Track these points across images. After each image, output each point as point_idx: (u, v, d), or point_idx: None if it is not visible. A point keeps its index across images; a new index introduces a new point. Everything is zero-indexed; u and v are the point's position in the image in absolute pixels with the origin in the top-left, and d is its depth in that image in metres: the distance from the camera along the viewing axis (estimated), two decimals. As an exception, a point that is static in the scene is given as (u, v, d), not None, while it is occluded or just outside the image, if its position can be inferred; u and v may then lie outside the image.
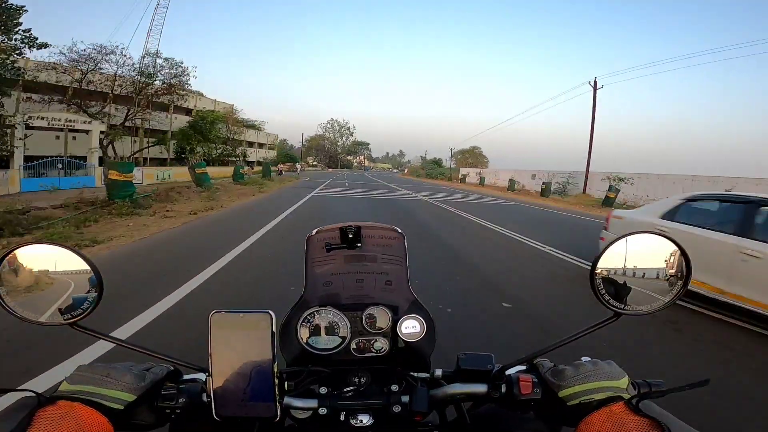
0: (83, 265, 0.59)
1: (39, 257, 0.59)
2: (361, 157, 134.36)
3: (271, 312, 0.54)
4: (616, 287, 0.60)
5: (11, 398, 0.51)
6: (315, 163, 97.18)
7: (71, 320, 0.58)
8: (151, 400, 0.58)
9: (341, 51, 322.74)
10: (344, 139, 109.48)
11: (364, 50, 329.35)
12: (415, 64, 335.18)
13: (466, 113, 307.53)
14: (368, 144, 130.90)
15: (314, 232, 0.78)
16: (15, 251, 0.58)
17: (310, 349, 0.67)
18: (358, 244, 0.76)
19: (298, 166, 54.49)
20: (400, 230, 0.79)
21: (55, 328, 0.59)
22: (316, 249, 0.77)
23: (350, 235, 0.75)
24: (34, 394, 0.50)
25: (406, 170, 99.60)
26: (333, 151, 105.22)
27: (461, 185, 42.88)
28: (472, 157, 77.09)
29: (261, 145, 61.70)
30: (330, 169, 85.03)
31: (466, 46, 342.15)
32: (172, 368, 0.63)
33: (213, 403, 0.54)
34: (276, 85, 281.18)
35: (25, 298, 0.58)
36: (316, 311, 0.68)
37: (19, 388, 0.50)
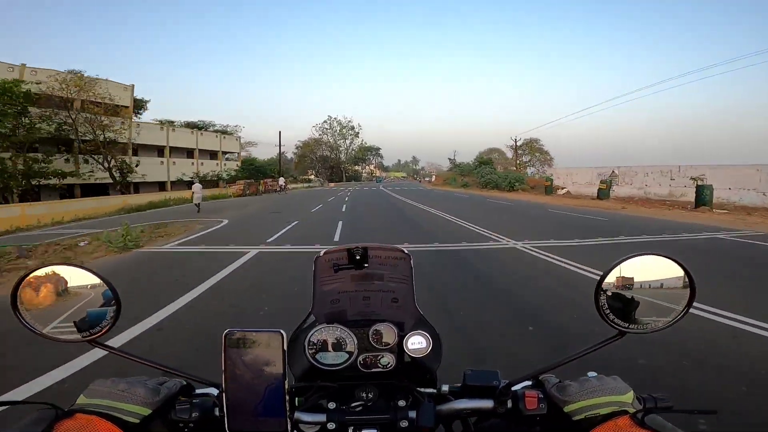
0: (99, 283, 0.64)
1: (57, 277, 0.63)
2: (372, 166, 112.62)
3: (282, 331, 0.57)
4: (621, 306, 0.62)
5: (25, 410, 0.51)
6: (313, 176, 74.53)
7: (89, 337, 0.62)
8: (165, 414, 0.62)
9: (337, 48, 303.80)
10: (348, 142, 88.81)
11: (363, 47, 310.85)
12: (425, 62, 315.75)
13: (486, 114, 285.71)
14: (379, 149, 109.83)
15: (322, 253, 0.80)
16: (34, 272, 0.63)
17: (318, 365, 0.69)
18: (365, 265, 0.78)
19: (282, 182, 37.88)
20: (406, 251, 0.81)
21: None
22: (323, 269, 0.80)
23: (357, 257, 0.77)
24: (52, 407, 0.52)
25: (434, 177, 76.23)
26: (334, 159, 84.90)
27: (568, 200, 25.62)
28: (530, 152, 54.10)
29: (215, 154, 40.00)
30: (331, 184, 64.24)
31: (476, 46, 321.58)
32: (185, 383, 0.67)
33: (226, 418, 0.57)
34: (266, 93, 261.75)
35: (45, 316, 0.62)
36: (324, 327, 0.70)
37: (37, 401, 0.52)
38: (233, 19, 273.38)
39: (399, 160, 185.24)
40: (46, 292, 0.63)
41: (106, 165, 26.10)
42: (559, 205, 19.66)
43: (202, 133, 39.44)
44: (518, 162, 55.04)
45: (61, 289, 0.63)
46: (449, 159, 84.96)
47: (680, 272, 0.62)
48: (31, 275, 0.62)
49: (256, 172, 39.74)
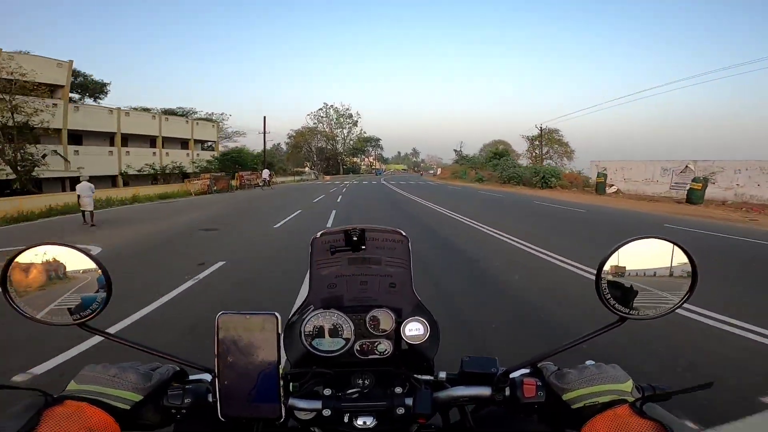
0: (92, 266, 0.61)
1: (48, 258, 0.60)
2: (371, 158, 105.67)
3: (276, 314, 0.55)
4: (622, 291, 0.60)
5: (17, 396, 0.51)
6: (307, 168, 67.51)
7: (80, 320, 0.60)
8: (157, 400, 0.61)
9: (335, 38, 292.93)
10: (345, 132, 79.77)
11: (362, 39, 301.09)
12: (425, 54, 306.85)
13: (488, 107, 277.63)
14: (379, 140, 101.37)
15: (318, 234, 0.79)
16: (24, 252, 0.59)
17: (314, 351, 0.68)
18: (363, 247, 0.76)
19: (266, 175, 30.66)
20: (404, 233, 0.79)
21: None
22: (320, 251, 0.78)
23: (354, 238, 0.75)
24: (42, 394, 0.52)
25: (439, 171, 69.71)
26: (331, 150, 76.59)
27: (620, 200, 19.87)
28: (548, 144, 47.31)
29: (187, 143, 33.54)
30: (327, 177, 57.08)
31: (478, 38, 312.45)
32: (178, 368, 0.66)
33: (218, 404, 0.56)
34: (258, 82, 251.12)
35: (34, 298, 0.60)
36: (321, 313, 0.70)
37: (26, 387, 0.52)
38: (230, 7, 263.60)
39: (399, 152, 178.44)
40: (36, 273, 0.60)
41: (7, 156, 19.43)
42: (651, 213, 13.61)
43: (167, 119, 32.68)
44: (536, 154, 48.55)
45: (52, 270, 0.60)
46: (455, 150, 77.79)
47: (683, 257, 0.60)
48: (21, 255, 0.59)
49: (233, 164, 33.00)
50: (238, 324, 0.55)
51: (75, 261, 0.61)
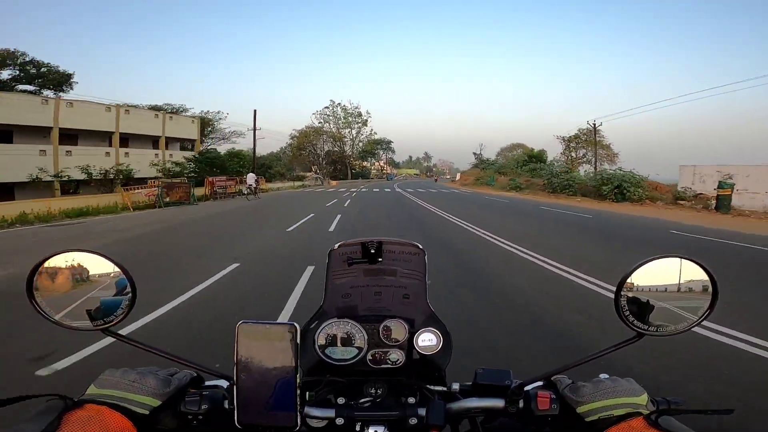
0: (116, 271, 0.62)
1: (73, 263, 0.62)
2: (381, 162, 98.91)
3: (296, 324, 0.56)
4: (641, 308, 0.61)
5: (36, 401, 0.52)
6: (313, 173, 60.68)
7: (102, 326, 0.61)
8: (175, 406, 0.61)
9: (345, 39, 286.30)
10: (354, 132, 71.69)
11: (369, 35, 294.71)
12: (435, 55, 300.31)
13: (502, 109, 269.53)
14: (390, 142, 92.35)
15: (336, 246, 0.81)
16: (50, 258, 0.61)
17: (327, 360, 0.69)
18: (379, 259, 0.79)
19: (252, 180, 23.34)
20: (421, 246, 0.81)
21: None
22: (337, 262, 0.80)
23: (372, 250, 0.78)
24: (61, 398, 0.52)
25: (459, 176, 62.65)
26: (338, 153, 68.94)
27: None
28: (586, 145, 40.00)
29: (177, 143, 27.37)
30: (334, 183, 50.86)
31: (490, 39, 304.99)
32: (195, 374, 0.66)
33: (236, 411, 0.56)
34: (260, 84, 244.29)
35: (58, 303, 0.61)
36: (335, 322, 0.71)
37: (46, 393, 0.53)
38: (236, 6, 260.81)
39: (410, 157, 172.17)
40: (62, 278, 0.62)
41: None
42: None
43: (127, 111, 26.20)
44: (571, 158, 41.23)
45: (77, 275, 0.62)
46: (474, 154, 70.86)
47: (703, 275, 0.61)
48: (48, 261, 0.61)
49: (209, 167, 26.33)
50: (258, 333, 0.56)
51: (100, 267, 0.62)
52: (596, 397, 0.58)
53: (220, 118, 42.75)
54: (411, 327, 0.71)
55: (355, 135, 72.16)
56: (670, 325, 0.60)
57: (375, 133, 75.59)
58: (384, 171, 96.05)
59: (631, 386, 0.59)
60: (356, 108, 70.78)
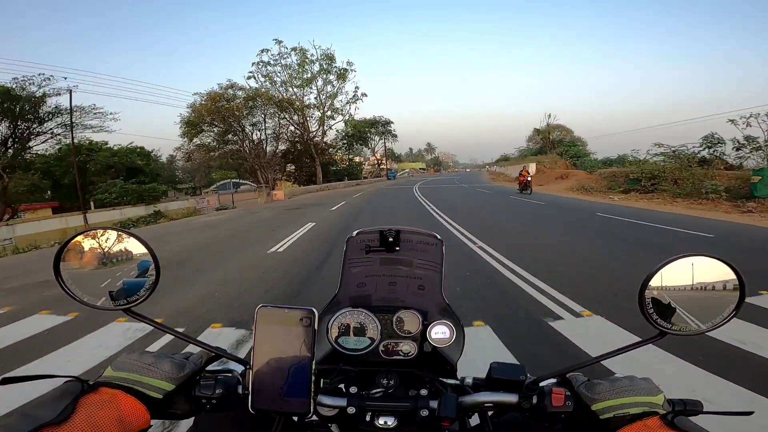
0: (143, 251, 0.63)
1: (101, 242, 0.63)
2: (377, 155, 71.49)
3: (314, 309, 0.56)
4: (664, 307, 0.60)
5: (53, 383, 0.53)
6: (253, 183, 33.75)
7: (125, 306, 0.62)
8: (188, 390, 0.62)
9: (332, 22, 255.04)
10: (326, 92, 41.40)
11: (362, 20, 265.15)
12: (439, 44, 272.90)
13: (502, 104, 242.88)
14: (390, 123, 57.47)
15: (354, 233, 0.81)
16: (78, 235, 0.63)
17: (340, 349, 0.70)
18: (397, 248, 0.79)
19: None
20: (439, 237, 0.81)
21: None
22: (354, 250, 0.80)
23: (390, 239, 0.77)
24: (77, 381, 0.53)
25: (532, 169, 35.30)
26: (300, 136, 39.97)
27: None
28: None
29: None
30: (278, 194, 24.09)
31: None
32: (212, 355, 0.66)
33: (250, 396, 0.56)
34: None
35: (84, 281, 0.62)
36: (348, 311, 0.71)
37: (63, 375, 0.54)
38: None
39: (411, 149, 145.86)
40: (89, 257, 0.63)
41: None
42: None
43: None
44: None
45: (104, 254, 0.63)
46: (537, 131, 43.96)
47: (730, 274, 0.60)
48: (75, 238, 0.63)
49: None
50: (277, 317, 0.56)
51: (127, 246, 0.63)
52: (612, 395, 0.58)
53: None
54: (424, 319, 0.71)
55: (324, 99, 40.30)
56: (693, 324, 0.59)
57: (362, 94, 44.56)
58: (382, 167, 68.64)
59: (648, 385, 0.59)
60: (327, 50, 39.83)
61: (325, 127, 42.26)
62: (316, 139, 41.26)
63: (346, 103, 43.28)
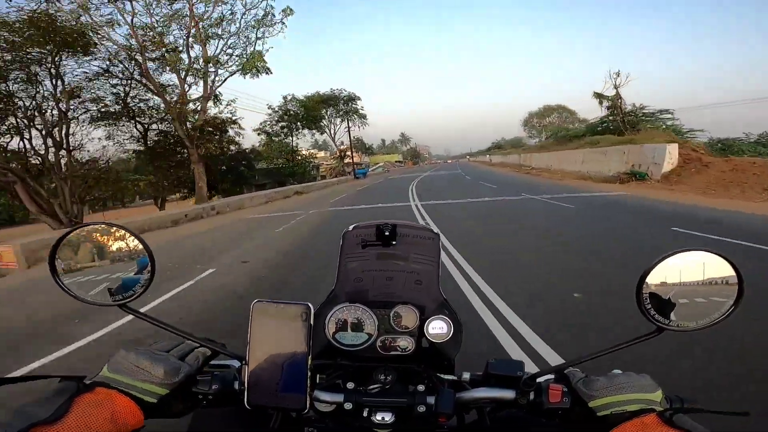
0: (138, 247, 0.63)
1: (98, 238, 0.63)
2: (342, 147, 53.97)
3: (310, 304, 0.56)
4: (662, 302, 0.60)
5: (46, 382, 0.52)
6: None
7: (120, 302, 0.62)
8: (184, 389, 0.61)
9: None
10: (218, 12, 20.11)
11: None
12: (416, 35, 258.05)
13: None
14: (357, 99, 46.43)
15: (351, 228, 0.81)
16: (75, 230, 0.62)
17: (337, 344, 0.70)
18: (393, 242, 0.79)
19: None
20: (435, 230, 0.81)
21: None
22: (351, 244, 0.80)
23: (386, 233, 0.78)
24: (74, 380, 0.54)
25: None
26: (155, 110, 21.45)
27: None
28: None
29: None
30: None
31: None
32: (207, 354, 0.66)
33: (246, 392, 0.56)
34: None
35: (80, 276, 0.62)
36: (345, 307, 0.71)
37: (59, 375, 0.54)
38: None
39: (383, 141, 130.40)
40: (84, 252, 0.63)
41: None
42: None
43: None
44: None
45: (99, 250, 0.63)
46: (597, 95, 26.97)
47: (730, 270, 0.59)
48: (71, 234, 0.62)
49: None
50: (272, 312, 0.56)
51: (123, 242, 0.63)
52: (609, 391, 0.58)
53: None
54: (422, 314, 0.71)
55: (198, 28, 19.65)
56: (692, 320, 0.59)
57: (285, 14, 22.26)
58: (347, 161, 51.37)
59: (646, 382, 0.59)
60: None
61: (208, 88, 21.75)
62: (189, 109, 21.06)
63: (254, 35, 22.15)
